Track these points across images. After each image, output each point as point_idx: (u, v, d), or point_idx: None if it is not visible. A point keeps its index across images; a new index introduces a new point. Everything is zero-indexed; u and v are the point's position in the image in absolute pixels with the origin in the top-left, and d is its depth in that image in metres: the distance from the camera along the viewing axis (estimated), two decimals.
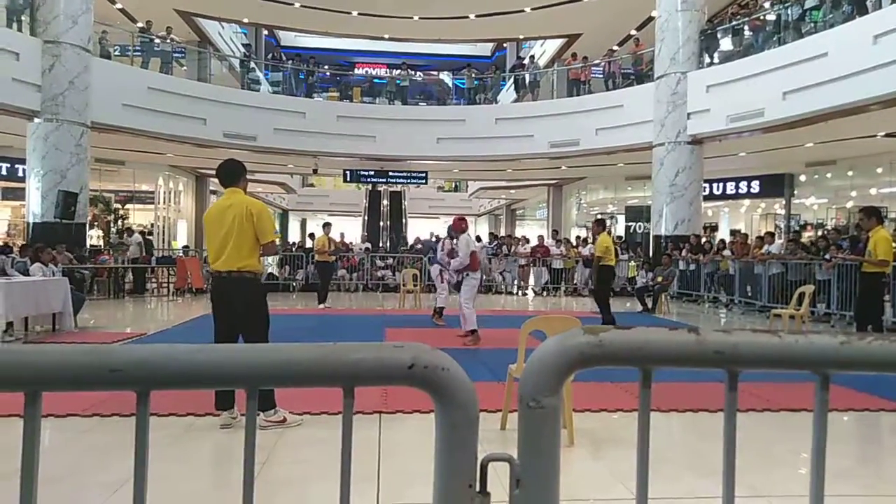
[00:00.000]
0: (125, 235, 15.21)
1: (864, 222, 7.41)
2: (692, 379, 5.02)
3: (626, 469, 3.17)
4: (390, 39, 22.07)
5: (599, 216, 9.54)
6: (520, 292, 15.80)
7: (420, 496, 2.76)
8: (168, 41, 15.97)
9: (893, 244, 7.48)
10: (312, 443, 3.64)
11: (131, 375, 0.76)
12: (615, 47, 18.73)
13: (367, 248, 17.43)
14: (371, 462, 3.24)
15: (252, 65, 19.02)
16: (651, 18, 15.21)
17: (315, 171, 20.62)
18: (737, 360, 0.82)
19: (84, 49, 12.39)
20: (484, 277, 12.57)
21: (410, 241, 20.19)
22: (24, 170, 13.10)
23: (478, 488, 0.83)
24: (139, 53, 15.33)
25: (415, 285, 12.47)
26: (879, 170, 15.30)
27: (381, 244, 21.46)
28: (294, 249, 17.02)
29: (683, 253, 13.16)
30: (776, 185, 17.66)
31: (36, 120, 12.06)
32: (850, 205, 16.10)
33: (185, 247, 18.48)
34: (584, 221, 23.66)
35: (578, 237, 17.87)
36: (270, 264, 16.17)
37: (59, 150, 12.09)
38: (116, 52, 15.21)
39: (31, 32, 12.21)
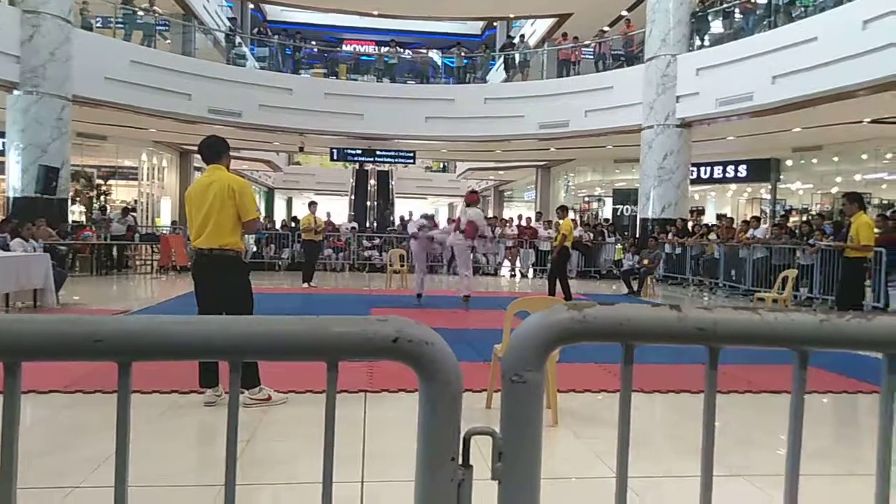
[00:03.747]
0: (117, 214, 14.94)
1: (847, 208, 7.51)
2: (674, 361, 5.10)
3: (608, 448, 3.22)
4: (379, 16, 21.73)
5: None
6: (507, 273, 15.83)
7: (405, 475, 2.77)
8: (151, 13, 15.61)
9: (875, 230, 7.59)
10: (297, 421, 3.64)
11: (114, 346, 0.75)
12: (606, 28, 18.62)
13: (353, 228, 17.35)
14: (356, 441, 3.26)
15: (238, 39, 18.62)
16: None
17: (301, 149, 20.40)
18: (718, 336, 0.83)
19: (65, 20, 12.07)
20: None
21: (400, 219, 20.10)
22: (3, 143, 12.83)
23: (460, 461, 0.83)
24: (122, 26, 14.97)
25: (402, 265, 12.45)
26: (864, 156, 15.45)
27: (367, 224, 21.36)
28: (280, 228, 16.90)
29: (670, 236, 13.26)
30: (762, 170, 17.78)
31: (15, 92, 11.78)
32: (834, 190, 16.28)
33: (174, 222, 18.28)
34: (573, 204, 23.72)
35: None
36: (256, 241, 16.06)
37: (39, 124, 11.85)
38: (98, 24, 14.84)
39: (10, 2, 11.87)
